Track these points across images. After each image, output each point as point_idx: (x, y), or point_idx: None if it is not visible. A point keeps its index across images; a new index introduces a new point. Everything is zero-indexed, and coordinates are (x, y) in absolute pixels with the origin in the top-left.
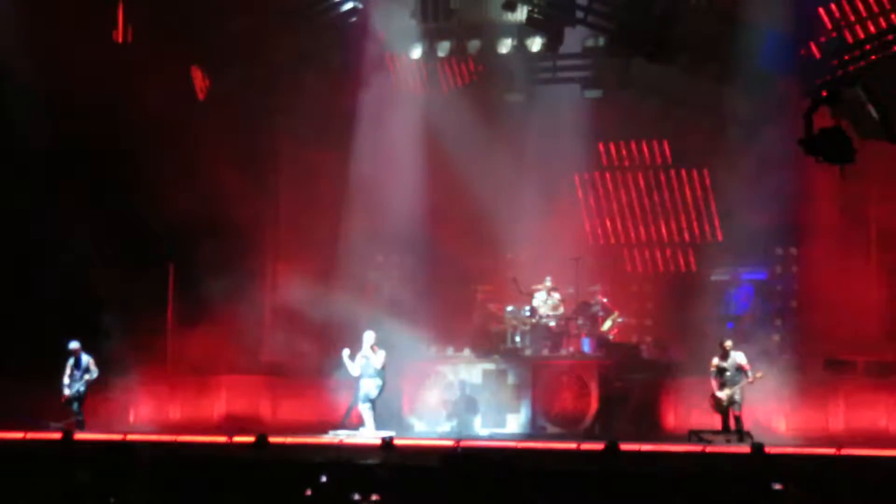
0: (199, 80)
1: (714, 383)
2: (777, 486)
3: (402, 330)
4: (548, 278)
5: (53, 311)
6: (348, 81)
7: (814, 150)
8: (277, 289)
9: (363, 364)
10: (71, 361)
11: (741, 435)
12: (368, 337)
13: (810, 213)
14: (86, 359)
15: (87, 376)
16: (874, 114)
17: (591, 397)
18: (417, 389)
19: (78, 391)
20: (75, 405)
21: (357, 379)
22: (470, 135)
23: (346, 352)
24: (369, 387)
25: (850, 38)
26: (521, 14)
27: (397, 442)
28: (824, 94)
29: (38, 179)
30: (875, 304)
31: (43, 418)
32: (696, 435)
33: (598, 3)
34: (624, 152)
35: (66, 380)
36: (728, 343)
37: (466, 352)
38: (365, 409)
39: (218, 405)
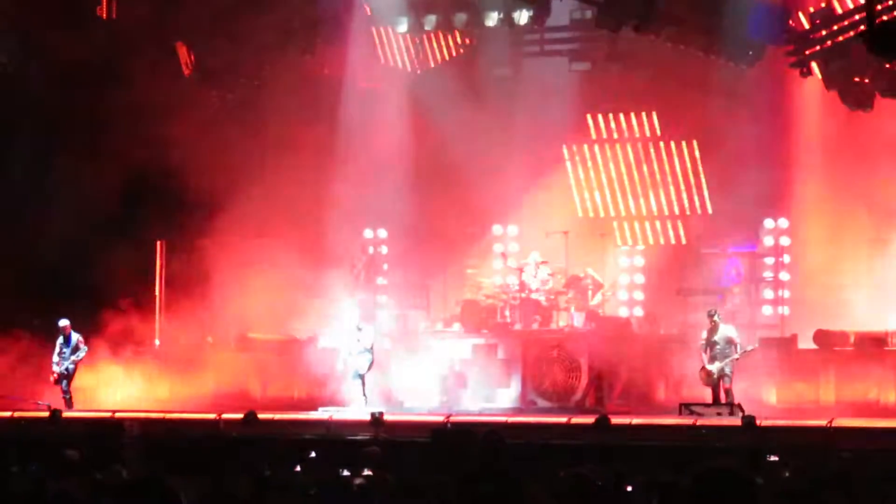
0: (184, 55)
1: (704, 356)
2: (773, 458)
3: (390, 305)
4: (535, 252)
5: (43, 288)
6: (334, 55)
7: (879, 45)
8: (264, 264)
9: (351, 342)
10: (60, 339)
11: (732, 408)
12: (353, 314)
13: (800, 184)
14: (75, 337)
15: (75, 355)
16: None
17: (582, 371)
18: (407, 365)
19: (66, 369)
20: (63, 383)
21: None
22: (457, 108)
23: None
24: (359, 363)
25: (837, 10)
26: None
27: (387, 417)
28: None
29: (25, 154)
30: (865, 276)
31: (31, 396)
32: (686, 408)
33: None
34: (612, 125)
35: (55, 357)
36: (717, 316)
37: (456, 326)
38: (355, 385)
39: (207, 382)
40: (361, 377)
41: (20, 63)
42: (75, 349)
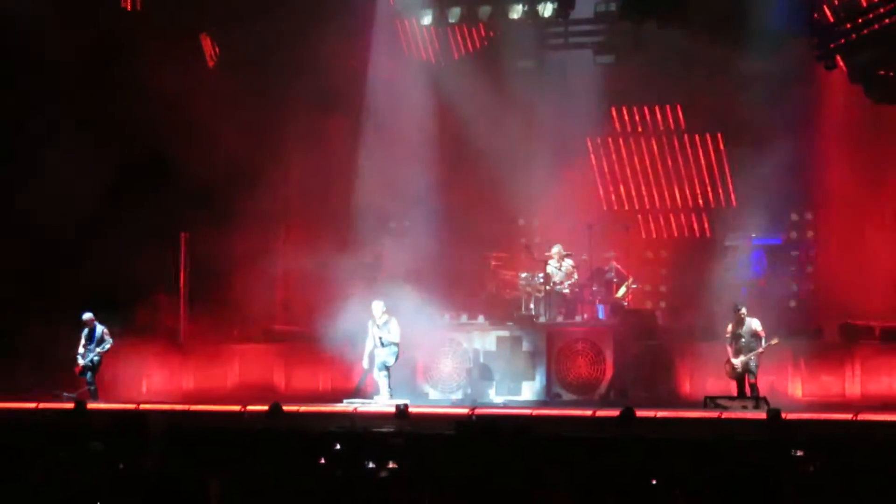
0: (208, 47)
1: (729, 350)
2: (798, 453)
3: (415, 298)
4: (559, 245)
5: (67, 283)
6: (359, 48)
7: None
8: (290, 256)
9: (376, 334)
10: (84, 332)
11: (757, 401)
12: (377, 306)
13: (825, 177)
14: (99, 329)
15: (100, 347)
16: None
17: (606, 364)
18: (431, 357)
19: (91, 361)
20: (88, 375)
21: (371, 348)
22: (481, 101)
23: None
24: (384, 355)
25: (863, 1)
26: None
27: (412, 410)
28: None
29: (51, 150)
30: (891, 269)
31: (56, 389)
32: (711, 401)
33: None
34: (637, 118)
35: (80, 350)
36: (743, 309)
37: (480, 319)
38: (381, 378)
39: (231, 374)
40: (387, 369)
41: (43, 54)
42: (100, 341)
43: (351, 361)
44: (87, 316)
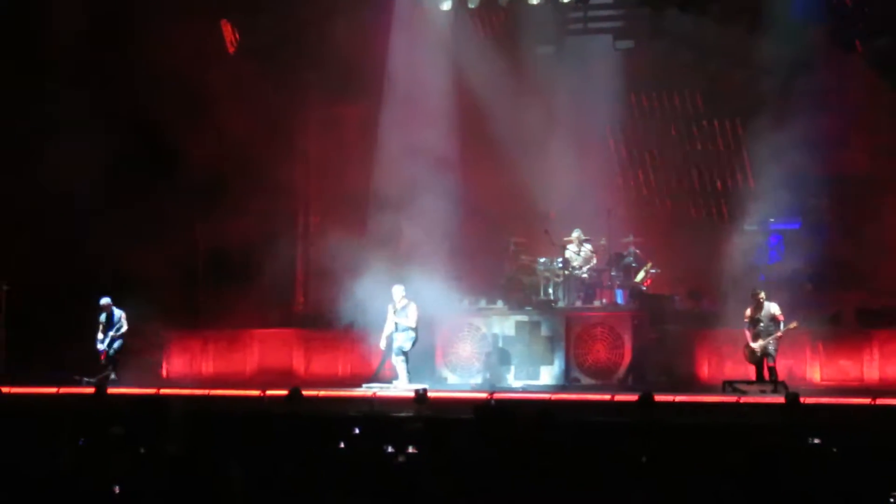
0: (228, 33)
1: (748, 334)
2: (815, 441)
3: (434, 282)
4: (578, 230)
5: (86, 267)
6: (378, 33)
7: None
8: (309, 241)
9: (394, 319)
10: (102, 317)
11: (776, 385)
12: (398, 291)
13: (843, 162)
14: (117, 314)
15: (116, 331)
16: None
17: (625, 348)
18: (450, 342)
19: (109, 346)
20: (110, 355)
21: (390, 333)
22: (500, 87)
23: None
24: (402, 340)
25: None
26: None
27: (430, 395)
28: None
29: (67, 142)
30: None
31: (76, 373)
32: (730, 385)
33: None
34: (656, 103)
35: (99, 335)
36: (761, 294)
37: (499, 304)
38: (398, 362)
39: (250, 359)
40: (405, 354)
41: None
42: (118, 325)
43: (370, 346)
44: (105, 301)
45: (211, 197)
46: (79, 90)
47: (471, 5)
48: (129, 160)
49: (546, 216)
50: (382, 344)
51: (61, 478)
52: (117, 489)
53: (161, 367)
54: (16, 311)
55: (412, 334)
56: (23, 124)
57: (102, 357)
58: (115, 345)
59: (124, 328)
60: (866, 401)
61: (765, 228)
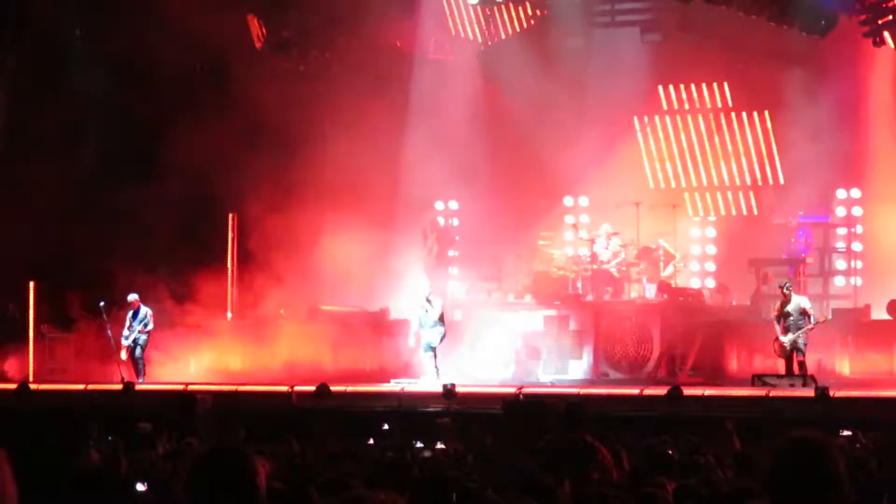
0: (255, 28)
1: (777, 328)
2: (846, 433)
3: (462, 277)
4: (606, 224)
5: (114, 261)
6: (405, 27)
7: None
8: (337, 237)
9: (422, 314)
10: (130, 314)
11: (805, 379)
12: (424, 286)
13: (872, 154)
14: (144, 310)
15: (145, 327)
16: None
17: (654, 343)
18: (478, 337)
19: (135, 341)
20: (136, 356)
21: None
22: (528, 80)
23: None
24: (431, 335)
25: None
26: None
27: (459, 390)
28: None
29: (95, 128)
30: None
31: (105, 370)
32: (759, 379)
33: None
34: (684, 96)
35: (125, 332)
36: (789, 287)
37: (528, 298)
38: (427, 358)
39: (279, 354)
40: (433, 349)
41: (89, 36)
42: (144, 322)
43: (398, 341)
44: (133, 297)
45: (241, 191)
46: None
47: None
48: (158, 157)
49: (574, 209)
50: (411, 340)
51: (88, 474)
52: (143, 486)
53: (189, 362)
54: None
55: (441, 329)
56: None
57: (125, 352)
58: (141, 341)
59: (150, 326)
60: None
61: (794, 221)
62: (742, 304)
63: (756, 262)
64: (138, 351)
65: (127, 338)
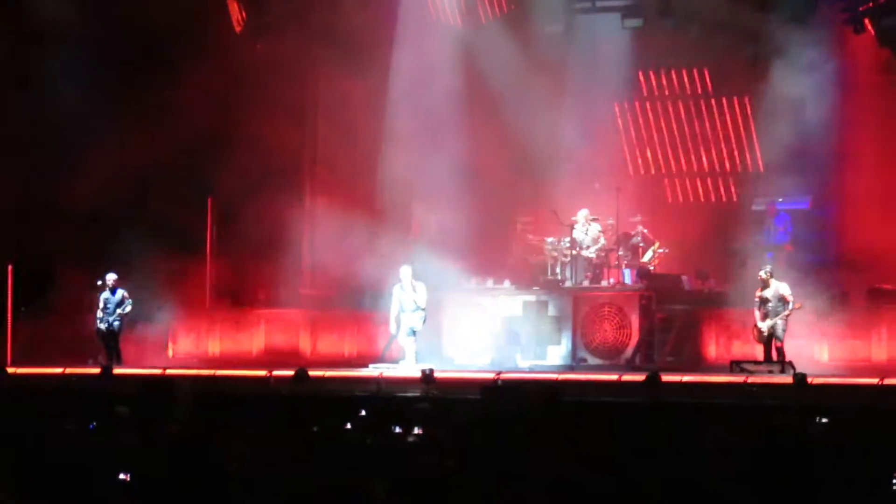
0: (235, 12)
1: (757, 314)
2: (824, 419)
3: (441, 262)
4: (585, 209)
5: (91, 243)
6: (386, 12)
7: None
8: (317, 221)
9: (404, 299)
10: (105, 294)
11: (783, 365)
12: (406, 271)
13: (852, 141)
14: (120, 292)
15: (121, 310)
16: None
17: (632, 328)
18: (457, 322)
19: (112, 325)
20: (111, 339)
21: (398, 314)
22: (509, 65)
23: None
24: (413, 320)
25: None
26: None
27: (437, 375)
28: None
29: (75, 116)
30: None
31: (91, 356)
32: (737, 366)
33: None
34: (664, 82)
35: (98, 313)
36: (770, 273)
37: (506, 283)
38: (409, 342)
39: (257, 339)
40: (414, 334)
41: (71, 23)
42: (120, 304)
43: (377, 326)
44: (111, 277)
45: (219, 176)
46: (84, 72)
47: None
48: (138, 140)
49: (553, 194)
50: (391, 325)
51: (67, 459)
52: (125, 476)
53: (167, 346)
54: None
55: (422, 314)
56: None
57: (100, 333)
58: (116, 326)
59: (129, 306)
60: (874, 381)
61: (773, 207)
62: (721, 290)
63: (735, 248)
64: (113, 340)
65: (103, 320)
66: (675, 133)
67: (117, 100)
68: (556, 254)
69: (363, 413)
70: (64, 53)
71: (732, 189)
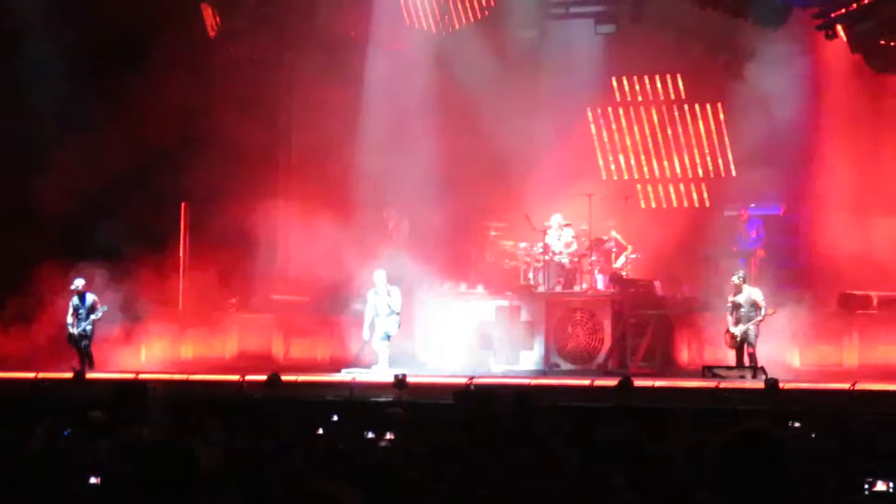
0: (209, 16)
1: (729, 319)
2: (795, 424)
3: (414, 267)
4: (558, 214)
5: (62, 246)
6: (360, 17)
7: None
8: (290, 226)
9: (378, 304)
10: (74, 300)
11: (755, 371)
12: (380, 276)
13: (825, 147)
14: (90, 297)
15: (94, 314)
16: None
17: (605, 334)
18: (430, 327)
19: (85, 330)
20: (83, 344)
21: (372, 318)
22: (482, 71)
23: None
24: (387, 325)
25: None
26: None
27: (410, 380)
28: None
29: (48, 119)
30: (890, 239)
31: (55, 358)
32: (709, 371)
33: None
34: (637, 87)
35: (69, 319)
36: (739, 279)
37: (479, 288)
38: (382, 347)
39: (230, 344)
40: (388, 339)
41: (47, 25)
42: (92, 309)
43: (349, 331)
44: (79, 282)
45: (192, 180)
46: (58, 75)
47: None
48: (111, 144)
49: (526, 199)
50: (365, 330)
51: (37, 464)
52: (94, 476)
53: (140, 350)
54: None
55: (396, 319)
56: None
57: (72, 339)
58: (89, 331)
59: (101, 312)
60: (846, 386)
61: (746, 213)
62: (693, 295)
63: (707, 254)
64: (85, 345)
65: (73, 325)
66: (649, 139)
67: (90, 102)
68: (529, 259)
69: (335, 418)
70: (35, 54)
71: (705, 194)
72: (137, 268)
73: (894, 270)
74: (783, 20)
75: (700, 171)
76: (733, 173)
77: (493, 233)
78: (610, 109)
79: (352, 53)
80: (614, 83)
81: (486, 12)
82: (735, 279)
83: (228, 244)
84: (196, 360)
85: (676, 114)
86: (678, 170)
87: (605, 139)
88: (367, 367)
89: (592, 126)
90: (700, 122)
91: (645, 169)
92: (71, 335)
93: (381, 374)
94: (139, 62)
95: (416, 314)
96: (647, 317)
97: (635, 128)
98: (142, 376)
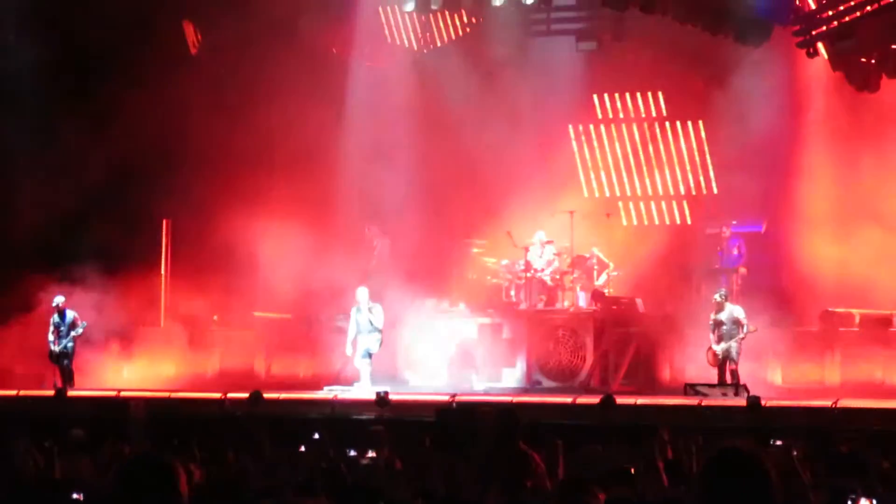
0: (191, 34)
1: (711, 337)
2: (777, 442)
3: (397, 284)
4: (540, 232)
5: (44, 264)
6: (341, 34)
7: None
8: (272, 243)
9: (361, 321)
10: (55, 317)
11: (737, 388)
12: (362, 293)
13: (806, 165)
14: (71, 314)
15: (74, 331)
16: None
17: (587, 351)
18: (412, 344)
19: (66, 347)
20: (64, 361)
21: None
22: (463, 88)
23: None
24: (369, 342)
25: None
26: None
27: (392, 397)
28: None
29: (27, 124)
30: (871, 257)
31: (37, 375)
32: (691, 388)
33: None
34: (618, 105)
35: (50, 336)
36: (724, 296)
37: (461, 306)
38: (364, 364)
39: (212, 361)
40: (370, 356)
41: (25, 43)
42: (73, 326)
43: (332, 348)
44: (60, 299)
45: (175, 197)
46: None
47: (434, 6)
48: (93, 162)
49: (508, 217)
50: (348, 347)
51: (20, 482)
52: (77, 493)
53: (122, 368)
54: None
55: (379, 336)
56: None
57: (53, 356)
58: (69, 348)
59: (82, 328)
60: (827, 403)
61: (728, 231)
62: (675, 313)
63: (689, 271)
64: (66, 362)
65: (55, 343)
66: (630, 156)
67: (68, 119)
68: (511, 276)
69: (317, 436)
70: (12, 71)
71: (687, 212)
72: (118, 285)
73: (875, 288)
74: (764, 38)
75: (682, 189)
76: (715, 190)
77: (474, 250)
78: (591, 126)
79: (334, 70)
80: (596, 100)
81: (468, 29)
82: (717, 297)
83: (210, 261)
84: (178, 377)
85: (658, 131)
86: (660, 187)
87: (587, 156)
88: (350, 384)
89: (574, 143)
90: (682, 140)
91: (626, 186)
92: (52, 352)
93: (363, 391)
94: (121, 79)
95: (398, 331)
96: (629, 334)
97: (617, 145)
98: (123, 394)
